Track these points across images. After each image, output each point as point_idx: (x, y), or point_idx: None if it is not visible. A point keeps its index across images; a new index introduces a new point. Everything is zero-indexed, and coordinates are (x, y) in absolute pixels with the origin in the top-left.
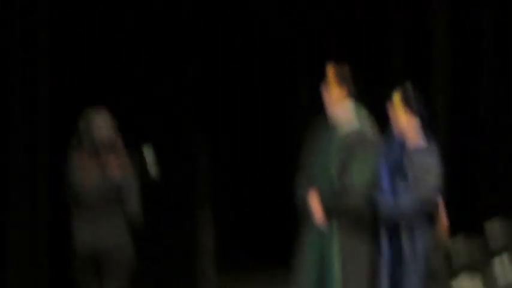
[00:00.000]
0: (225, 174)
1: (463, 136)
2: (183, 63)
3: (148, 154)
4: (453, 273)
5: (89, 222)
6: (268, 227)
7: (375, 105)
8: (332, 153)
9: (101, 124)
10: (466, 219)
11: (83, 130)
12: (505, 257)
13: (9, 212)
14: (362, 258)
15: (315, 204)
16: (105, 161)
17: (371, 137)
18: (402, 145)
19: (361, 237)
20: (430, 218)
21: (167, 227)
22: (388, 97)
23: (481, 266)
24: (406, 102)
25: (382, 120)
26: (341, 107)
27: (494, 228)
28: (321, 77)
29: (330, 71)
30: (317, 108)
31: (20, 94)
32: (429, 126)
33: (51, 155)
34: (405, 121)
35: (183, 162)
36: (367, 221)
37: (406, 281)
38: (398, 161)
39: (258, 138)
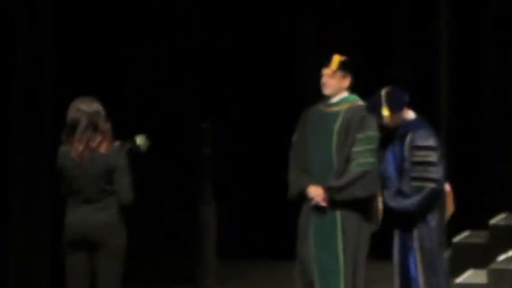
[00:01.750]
0: (229, 165)
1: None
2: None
3: (143, 143)
4: (459, 268)
5: (78, 206)
6: (273, 218)
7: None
8: (331, 131)
9: (82, 106)
10: (472, 215)
11: (67, 117)
12: (510, 253)
13: (10, 209)
14: (365, 237)
15: (315, 190)
16: (89, 139)
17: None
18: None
19: (364, 218)
20: (438, 207)
21: (169, 213)
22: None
23: (486, 261)
24: (397, 104)
25: None
26: (341, 96)
27: (499, 224)
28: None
29: (336, 60)
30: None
31: (23, 92)
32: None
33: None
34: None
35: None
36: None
37: (413, 270)
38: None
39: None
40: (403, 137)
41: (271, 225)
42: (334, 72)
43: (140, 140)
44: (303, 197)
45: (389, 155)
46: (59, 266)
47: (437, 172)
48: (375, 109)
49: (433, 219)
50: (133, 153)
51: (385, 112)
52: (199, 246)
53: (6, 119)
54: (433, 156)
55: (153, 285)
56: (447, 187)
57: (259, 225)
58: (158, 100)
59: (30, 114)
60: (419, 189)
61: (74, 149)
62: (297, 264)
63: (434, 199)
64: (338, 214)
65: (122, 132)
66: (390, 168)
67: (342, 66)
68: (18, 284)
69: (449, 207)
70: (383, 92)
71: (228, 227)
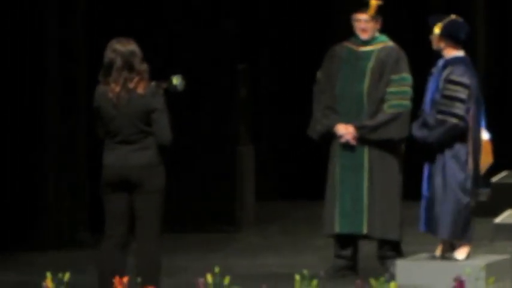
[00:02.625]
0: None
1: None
2: None
3: (179, 83)
4: (498, 208)
5: (116, 147)
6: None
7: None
8: (364, 70)
9: (118, 46)
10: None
11: (104, 57)
12: None
13: (47, 150)
14: (394, 178)
15: (345, 128)
16: (126, 80)
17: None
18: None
19: (393, 159)
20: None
21: (207, 155)
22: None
23: None
24: (449, 34)
25: None
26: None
27: None
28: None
29: (374, 5)
30: None
31: (57, 48)
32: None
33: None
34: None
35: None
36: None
37: (439, 210)
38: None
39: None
40: (442, 70)
41: (305, 166)
42: (372, 17)
43: (176, 80)
44: (329, 136)
45: (429, 86)
46: (98, 207)
47: (462, 109)
48: (431, 22)
49: (462, 157)
50: (170, 93)
51: (436, 30)
52: (238, 187)
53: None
54: (463, 93)
55: (192, 227)
56: (485, 136)
57: (296, 166)
58: (193, 43)
59: (63, 59)
60: (441, 123)
61: (110, 89)
62: (326, 203)
63: (455, 135)
64: (366, 154)
65: (158, 74)
66: (427, 99)
67: (378, 10)
68: (58, 226)
69: (487, 157)
70: (453, 16)
71: (266, 168)
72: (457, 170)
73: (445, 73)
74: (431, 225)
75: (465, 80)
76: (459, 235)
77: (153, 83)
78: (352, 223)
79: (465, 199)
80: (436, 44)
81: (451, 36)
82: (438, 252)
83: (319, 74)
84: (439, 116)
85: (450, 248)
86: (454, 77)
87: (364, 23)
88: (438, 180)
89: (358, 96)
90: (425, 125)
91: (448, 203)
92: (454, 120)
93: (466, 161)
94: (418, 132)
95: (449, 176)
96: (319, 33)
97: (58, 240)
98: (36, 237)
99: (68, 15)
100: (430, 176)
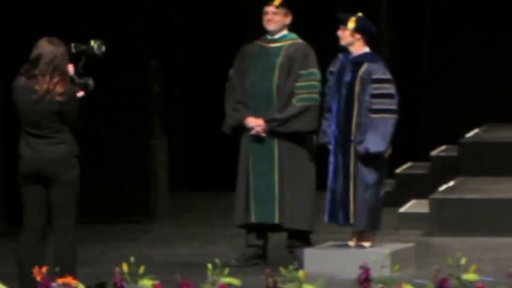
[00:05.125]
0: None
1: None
2: None
3: (98, 46)
4: (402, 198)
5: (31, 140)
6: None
7: None
8: (273, 66)
9: (47, 45)
10: (413, 147)
11: (32, 52)
12: (451, 183)
13: None
14: (304, 169)
15: (254, 120)
16: (51, 77)
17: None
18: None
19: (302, 151)
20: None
21: (120, 148)
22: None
23: (428, 191)
24: (363, 29)
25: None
26: (282, 33)
27: (440, 155)
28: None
29: None
30: None
31: None
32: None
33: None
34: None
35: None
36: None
37: (353, 202)
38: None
39: None
40: (354, 66)
41: (217, 158)
42: (278, 8)
43: (95, 42)
44: (240, 129)
45: (335, 84)
46: (17, 198)
47: (395, 104)
48: (342, 18)
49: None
50: (88, 56)
51: (351, 24)
52: (152, 179)
53: None
54: (391, 89)
55: (108, 218)
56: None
57: (207, 158)
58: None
59: None
60: (384, 122)
61: (34, 83)
62: (237, 194)
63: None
64: (276, 145)
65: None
66: (339, 97)
67: (285, 3)
68: None
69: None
70: (359, 13)
71: (178, 161)
72: (373, 163)
73: (361, 70)
74: (336, 217)
75: (389, 75)
76: (373, 226)
77: (72, 45)
78: (265, 212)
79: (381, 192)
80: (348, 38)
81: (364, 31)
82: (352, 243)
83: (231, 72)
84: (374, 115)
85: (359, 237)
86: (378, 75)
87: (270, 14)
88: (351, 173)
89: (267, 91)
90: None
91: (368, 196)
92: (393, 116)
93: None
94: (374, 147)
95: (366, 169)
96: (232, 30)
97: None
98: None
99: None
100: (336, 169)
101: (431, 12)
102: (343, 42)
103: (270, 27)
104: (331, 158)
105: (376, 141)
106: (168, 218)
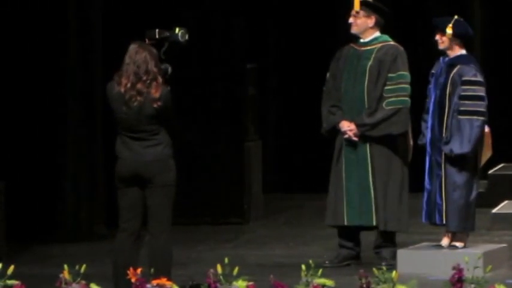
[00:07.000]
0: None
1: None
2: None
3: (182, 34)
4: (495, 199)
5: (129, 142)
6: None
7: None
8: (364, 69)
9: (135, 51)
10: (507, 148)
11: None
12: None
13: (67, 143)
14: (398, 172)
15: (347, 124)
16: (140, 80)
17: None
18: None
19: (395, 154)
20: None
21: (215, 150)
22: None
23: None
24: (460, 33)
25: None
26: (372, 36)
27: None
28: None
29: (357, 0)
30: None
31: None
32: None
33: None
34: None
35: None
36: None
37: (446, 203)
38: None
39: None
40: (447, 68)
41: (311, 160)
42: (357, 12)
43: (179, 30)
44: (335, 132)
45: (431, 87)
46: (115, 201)
47: (484, 106)
48: (439, 24)
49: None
50: (172, 43)
51: (448, 30)
52: (246, 181)
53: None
54: (481, 91)
55: (202, 219)
56: (486, 128)
57: (301, 159)
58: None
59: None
60: (470, 123)
61: (130, 90)
62: (329, 195)
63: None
64: (368, 149)
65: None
66: (432, 99)
67: (364, 6)
68: (77, 220)
69: (488, 150)
70: (456, 16)
71: (272, 163)
72: (462, 164)
73: (453, 72)
74: (432, 217)
75: (480, 78)
76: (465, 227)
77: (167, 86)
78: (361, 215)
79: (473, 193)
80: (447, 43)
81: (461, 35)
82: (445, 242)
83: (327, 75)
84: (461, 117)
85: (452, 237)
86: (468, 77)
87: (352, 18)
88: (443, 173)
89: (359, 94)
90: (456, 136)
91: (456, 197)
92: (482, 118)
93: (475, 155)
94: (458, 148)
95: (454, 170)
96: (325, 34)
97: (76, 233)
98: (55, 230)
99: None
100: (431, 169)
101: None
102: (441, 47)
103: (353, 30)
104: (427, 159)
105: (461, 143)
106: (262, 219)
